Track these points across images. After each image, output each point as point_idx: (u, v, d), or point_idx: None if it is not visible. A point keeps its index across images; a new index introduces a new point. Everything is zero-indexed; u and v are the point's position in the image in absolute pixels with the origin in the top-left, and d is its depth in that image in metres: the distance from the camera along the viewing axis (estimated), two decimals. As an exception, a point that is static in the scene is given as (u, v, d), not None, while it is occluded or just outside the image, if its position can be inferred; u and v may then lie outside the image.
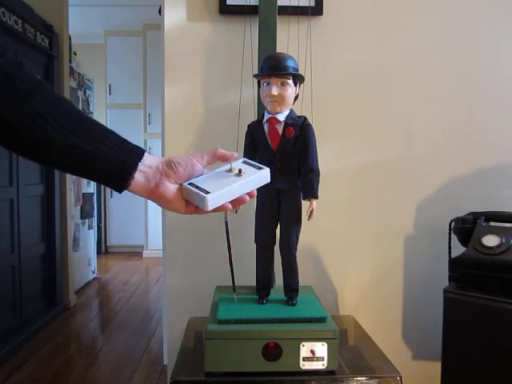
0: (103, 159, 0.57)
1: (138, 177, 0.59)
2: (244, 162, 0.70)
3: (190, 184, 0.63)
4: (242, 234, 1.18)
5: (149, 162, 0.61)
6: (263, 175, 0.68)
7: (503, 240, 1.05)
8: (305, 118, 0.95)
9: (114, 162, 0.57)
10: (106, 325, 2.56)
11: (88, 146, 0.56)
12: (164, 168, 0.61)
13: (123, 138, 0.60)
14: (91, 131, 0.57)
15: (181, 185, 0.63)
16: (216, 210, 0.63)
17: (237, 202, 0.65)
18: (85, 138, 0.56)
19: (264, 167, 0.68)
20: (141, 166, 0.59)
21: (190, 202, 0.64)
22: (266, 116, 0.95)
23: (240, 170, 0.66)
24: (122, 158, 0.58)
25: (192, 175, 0.64)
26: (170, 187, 0.62)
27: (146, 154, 0.61)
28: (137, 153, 0.60)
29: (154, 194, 0.61)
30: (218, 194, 0.62)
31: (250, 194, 0.66)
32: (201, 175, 0.66)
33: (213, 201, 0.61)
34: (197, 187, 0.62)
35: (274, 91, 0.91)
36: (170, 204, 0.63)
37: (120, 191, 0.61)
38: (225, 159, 0.67)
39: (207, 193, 0.61)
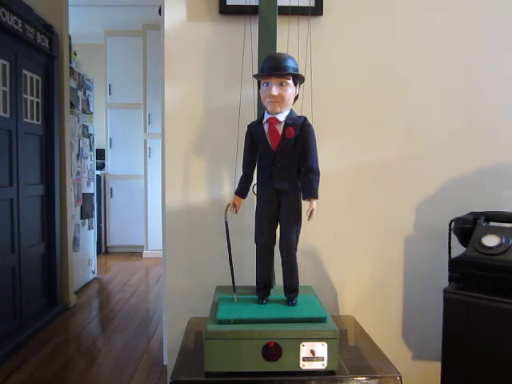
0: None
1: None
2: None
3: None
4: (242, 234, 1.18)
5: None
6: None
7: (503, 240, 1.05)
8: (305, 118, 0.95)
9: None
10: (106, 325, 2.56)
11: None
12: None
13: None
14: None
15: None
16: None
17: None
18: None
19: None
20: None
21: None
22: (266, 116, 0.95)
23: None
24: None
25: None
26: None
27: None
28: None
29: None
30: None
31: None
32: None
33: None
34: None
35: (274, 91, 0.91)
36: None
37: None
38: None
39: None
